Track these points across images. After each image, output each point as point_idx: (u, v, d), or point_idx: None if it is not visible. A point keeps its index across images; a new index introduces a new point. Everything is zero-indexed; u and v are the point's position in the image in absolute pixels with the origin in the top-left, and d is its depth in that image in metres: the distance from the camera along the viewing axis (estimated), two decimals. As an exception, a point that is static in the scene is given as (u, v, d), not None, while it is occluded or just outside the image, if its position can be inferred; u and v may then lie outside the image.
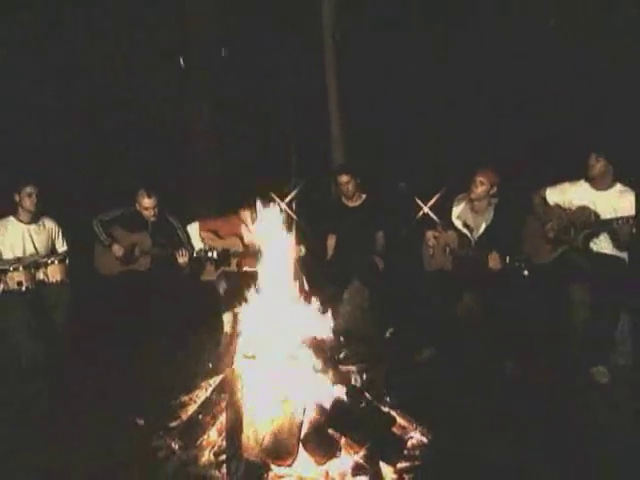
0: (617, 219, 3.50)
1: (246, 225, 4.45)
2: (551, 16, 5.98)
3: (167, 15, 6.41)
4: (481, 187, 3.91)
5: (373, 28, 6.37)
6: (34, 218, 4.04)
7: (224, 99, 6.44)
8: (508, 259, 3.72)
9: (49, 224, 4.14)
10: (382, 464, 2.34)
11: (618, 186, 3.64)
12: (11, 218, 4.01)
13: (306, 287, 3.62)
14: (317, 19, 6.02)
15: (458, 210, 4.11)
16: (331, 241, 4.61)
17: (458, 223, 4.07)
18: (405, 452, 2.44)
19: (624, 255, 3.67)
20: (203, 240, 4.43)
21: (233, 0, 6.52)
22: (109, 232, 4.29)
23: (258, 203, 2.94)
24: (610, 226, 3.54)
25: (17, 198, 3.96)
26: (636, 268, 3.66)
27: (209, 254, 4.26)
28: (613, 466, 2.48)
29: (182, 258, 4.20)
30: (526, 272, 3.70)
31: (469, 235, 4.01)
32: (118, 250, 4.23)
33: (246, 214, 4.41)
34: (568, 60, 5.76)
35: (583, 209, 3.66)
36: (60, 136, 6.12)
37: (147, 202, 4.25)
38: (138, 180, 4.50)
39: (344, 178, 4.45)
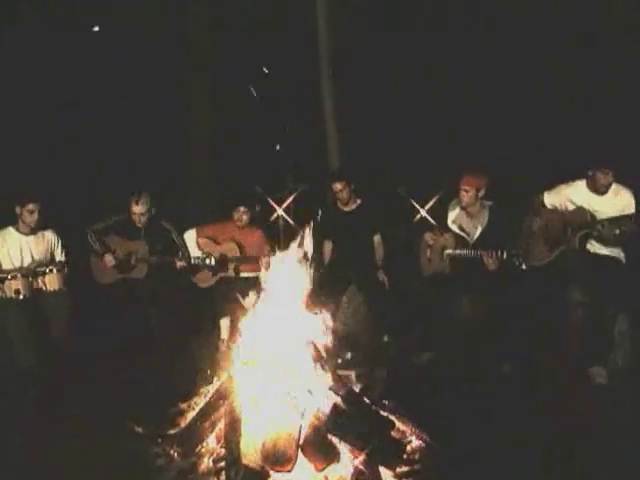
0: (622, 217, 3.50)
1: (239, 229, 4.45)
2: (551, 16, 6.00)
3: (166, 15, 6.43)
4: (467, 195, 3.91)
5: (369, 30, 6.39)
6: (33, 230, 4.02)
7: (222, 102, 6.46)
8: (505, 254, 3.73)
9: (48, 235, 4.12)
10: (382, 469, 2.34)
11: (613, 186, 3.66)
12: (10, 229, 3.98)
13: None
14: (313, 22, 6.06)
15: (453, 215, 4.12)
16: (327, 246, 4.61)
17: (454, 228, 4.08)
18: (404, 456, 2.43)
19: (621, 256, 3.68)
20: (200, 247, 4.42)
21: (232, 3, 6.56)
22: (103, 241, 4.28)
23: None
24: (612, 225, 3.54)
25: (18, 211, 3.93)
26: (633, 269, 3.67)
27: (206, 261, 4.25)
28: (612, 466, 2.48)
29: (179, 262, 4.20)
30: (524, 266, 3.72)
31: (467, 238, 4.02)
32: (109, 260, 4.22)
33: (239, 215, 4.40)
34: (567, 60, 5.80)
35: (580, 210, 3.68)
36: (57, 140, 6.13)
37: (136, 209, 4.23)
38: (135, 185, 4.47)
39: (338, 185, 4.45)
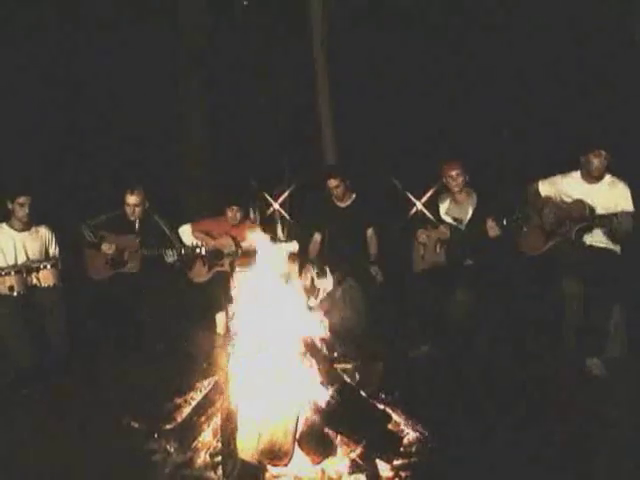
0: (615, 215, 3.48)
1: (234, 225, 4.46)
2: (545, 12, 5.98)
3: (162, 14, 6.38)
4: (458, 180, 3.99)
5: (362, 28, 6.37)
6: (27, 226, 4.00)
7: (217, 99, 6.43)
8: (505, 221, 3.76)
9: (42, 231, 4.09)
10: (378, 462, 2.34)
11: (607, 177, 3.66)
12: (3, 225, 3.97)
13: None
14: (307, 20, 6.04)
15: (444, 207, 4.17)
16: (316, 240, 4.61)
17: (448, 218, 4.11)
18: (401, 449, 2.43)
19: (617, 247, 3.69)
20: (195, 241, 4.41)
21: (226, 2, 6.53)
22: (98, 234, 4.27)
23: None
24: (607, 221, 3.54)
25: (10, 206, 3.91)
26: (628, 260, 3.68)
27: (197, 251, 4.25)
28: (609, 458, 2.49)
29: (170, 257, 4.19)
30: (525, 229, 3.75)
31: (459, 225, 4.05)
32: (108, 248, 4.21)
33: (232, 214, 4.43)
34: (560, 55, 5.79)
35: (579, 202, 3.67)
36: (51, 138, 6.09)
37: (130, 199, 4.24)
38: (130, 181, 4.45)
39: (333, 182, 4.44)
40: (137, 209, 4.27)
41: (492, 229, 3.84)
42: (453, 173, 3.98)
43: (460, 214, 4.08)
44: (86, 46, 6.30)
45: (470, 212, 4.05)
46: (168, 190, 6.03)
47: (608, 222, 3.52)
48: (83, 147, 6.36)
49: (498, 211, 3.91)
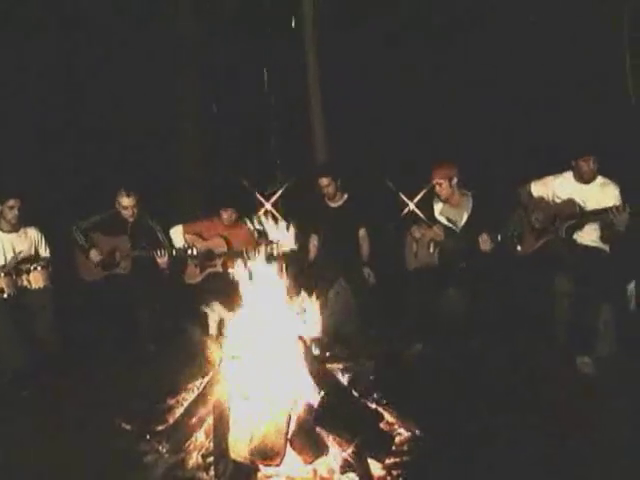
0: (608, 208, 3.50)
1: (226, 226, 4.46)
2: (535, 13, 6.00)
3: (161, 14, 6.36)
4: (442, 187, 3.99)
5: (355, 26, 6.38)
6: (15, 227, 3.98)
7: (209, 99, 6.42)
8: (500, 237, 3.77)
9: (31, 232, 4.08)
10: (370, 461, 2.34)
11: (599, 178, 3.69)
12: None
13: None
14: (299, 19, 6.05)
15: (439, 207, 4.17)
16: (313, 242, 4.61)
17: (442, 219, 4.11)
18: (393, 448, 2.44)
19: (606, 246, 3.72)
20: (187, 243, 4.40)
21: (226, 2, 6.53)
22: (88, 237, 4.25)
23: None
24: (598, 217, 3.57)
25: None
26: (618, 259, 3.71)
27: (188, 252, 4.24)
28: (599, 455, 2.51)
29: (161, 259, 4.18)
30: (519, 247, 3.76)
31: (454, 227, 4.05)
32: (95, 256, 4.20)
33: (227, 215, 4.42)
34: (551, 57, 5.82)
35: (569, 201, 3.71)
36: (49, 138, 6.06)
37: (126, 201, 4.22)
38: (121, 181, 4.43)
39: (324, 181, 4.45)
40: (135, 210, 4.25)
41: (485, 243, 3.83)
42: (434, 181, 4.01)
43: (455, 216, 4.08)
44: (86, 46, 6.26)
45: (465, 217, 4.05)
46: (167, 190, 6.01)
47: (600, 217, 3.55)
48: (81, 147, 6.32)
49: (493, 220, 3.91)
